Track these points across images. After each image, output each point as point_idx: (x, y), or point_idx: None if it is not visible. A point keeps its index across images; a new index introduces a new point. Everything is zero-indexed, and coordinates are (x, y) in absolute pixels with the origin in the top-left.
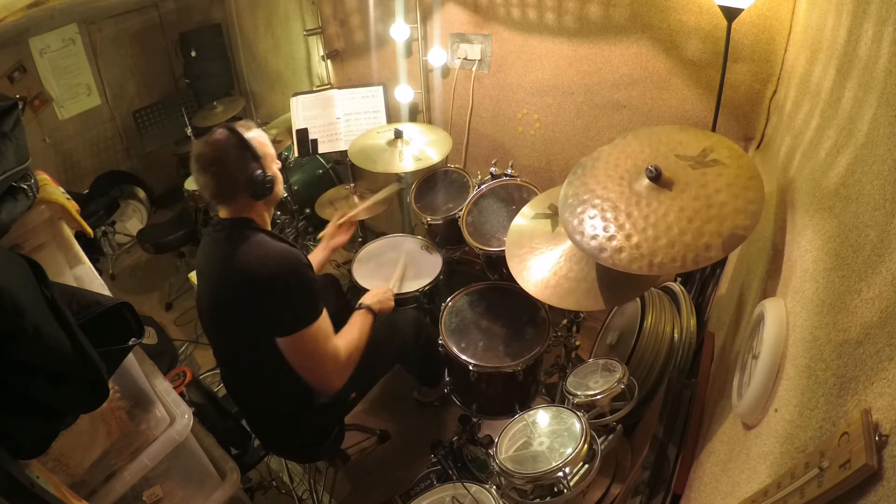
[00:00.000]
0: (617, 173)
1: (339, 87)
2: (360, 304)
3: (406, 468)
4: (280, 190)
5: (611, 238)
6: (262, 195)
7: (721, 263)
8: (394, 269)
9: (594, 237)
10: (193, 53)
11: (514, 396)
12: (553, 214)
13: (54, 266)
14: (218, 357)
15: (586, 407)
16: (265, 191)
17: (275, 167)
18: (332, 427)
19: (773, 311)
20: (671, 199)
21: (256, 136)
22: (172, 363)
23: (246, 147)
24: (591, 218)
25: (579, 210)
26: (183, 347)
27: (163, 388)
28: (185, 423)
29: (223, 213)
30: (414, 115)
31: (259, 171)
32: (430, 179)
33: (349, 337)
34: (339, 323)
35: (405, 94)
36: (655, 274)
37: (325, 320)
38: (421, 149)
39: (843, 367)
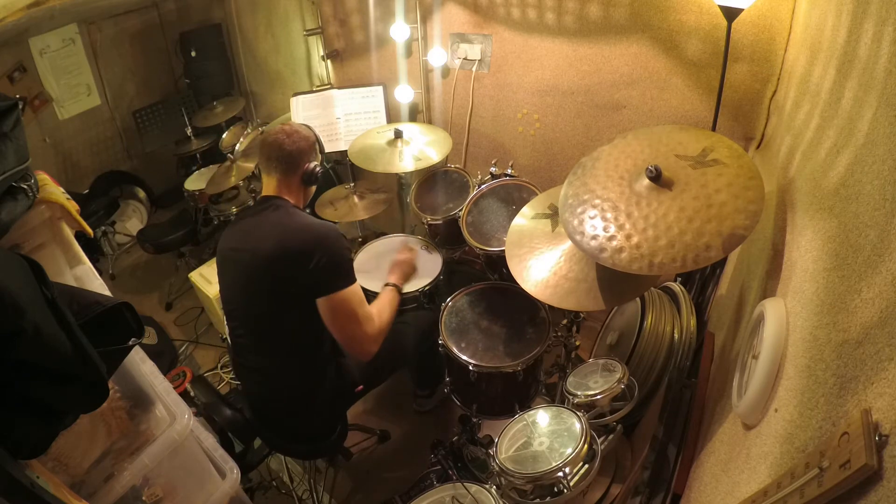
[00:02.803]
0: (617, 173)
1: (339, 87)
2: (387, 282)
3: (406, 468)
4: (312, 190)
5: (611, 238)
6: (309, 183)
7: (721, 263)
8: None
9: (594, 237)
10: (193, 53)
11: (514, 396)
12: (553, 214)
13: (54, 266)
14: (236, 336)
15: (586, 407)
16: (313, 180)
17: None
18: (336, 420)
19: (773, 311)
20: (671, 199)
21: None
22: (172, 363)
23: (320, 144)
24: (592, 218)
25: (579, 210)
26: (183, 347)
27: (163, 388)
28: (186, 423)
29: (268, 188)
30: (414, 115)
31: (317, 163)
32: (430, 179)
33: (379, 307)
34: None
35: (405, 94)
36: (655, 274)
37: (359, 287)
38: (421, 149)
39: (843, 367)
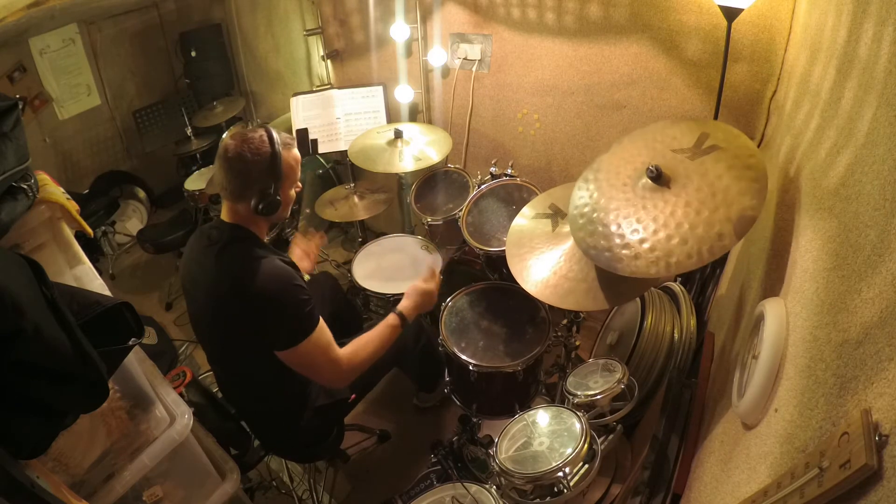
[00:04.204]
0: (619, 180)
1: (339, 87)
2: (396, 308)
3: (406, 468)
4: (284, 213)
5: (625, 247)
6: (264, 213)
7: (721, 263)
8: (396, 270)
9: (608, 249)
10: (193, 53)
11: (514, 396)
12: (553, 214)
13: (54, 266)
14: (213, 361)
15: (586, 407)
16: (268, 210)
17: (292, 191)
18: (331, 428)
19: (773, 311)
20: (675, 196)
21: (291, 156)
22: (172, 363)
23: (274, 163)
24: (602, 229)
25: (590, 226)
26: (183, 347)
27: (163, 388)
28: (185, 423)
29: (226, 213)
30: (414, 115)
31: (271, 191)
32: (430, 179)
33: (360, 346)
34: (336, 325)
35: (405, 94)
36: (674, 274)
37: (321, 332)
38: (421, 149)
39: (843, 367)
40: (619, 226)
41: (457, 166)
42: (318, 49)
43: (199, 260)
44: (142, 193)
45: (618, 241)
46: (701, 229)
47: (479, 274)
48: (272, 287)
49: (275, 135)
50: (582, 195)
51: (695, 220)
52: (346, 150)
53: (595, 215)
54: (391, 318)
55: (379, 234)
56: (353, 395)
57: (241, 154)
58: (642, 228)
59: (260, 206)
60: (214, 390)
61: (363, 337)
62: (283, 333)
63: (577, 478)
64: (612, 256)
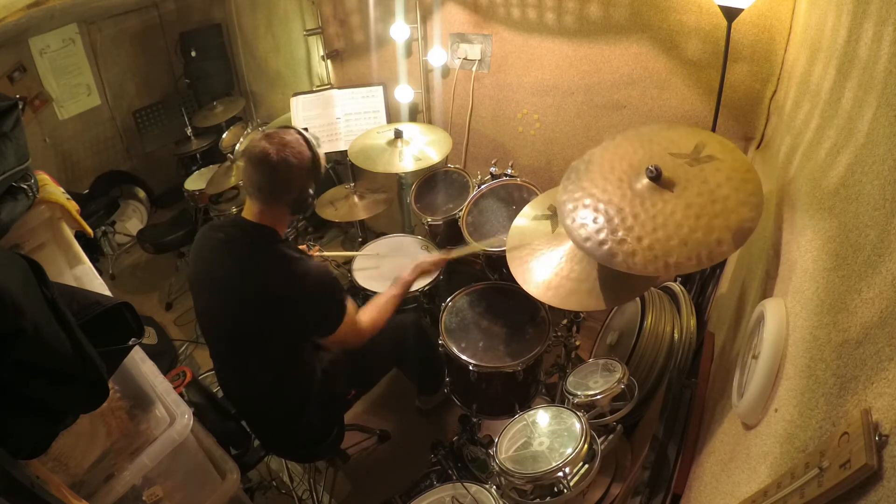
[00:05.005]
0: (614, 175)
1: (339, 87)
2: (399, 280)
3: (406, 468)
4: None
5: (621, 242)
6: (300, 211)
7: (721, 263)
8: (395, 270)
9: (603, 242)
10: (193, 53)
11: (514, 396)
12: (553, 215)
13: (54, 266)
14: (217, 360)
15: (586, 407)
16: (305, 209)
17: None
18: (331, 425)
19: (773, 311)
20: (675, 198)
21: (322, 156)
22: (172, 363)
23: (316, 166)
24: (595, 222)
25: (581, 216)
26: (183, 347)
27: (163, 388)
28: (185, 423)
29: (250, 212)
30: (414, 115)
31: (311, 190)
32: (430, 179)
33: (377, 313)
34: None
35: (405, 94)
36: (672, 274)
37: (351, 311)
38: (421, 149)
39: (843, 367)
40: (613, 220)
41: (457, 166)
42: (318, 49)
43: (214, 257)
44: (142, 193)
45: (612, 235)
46: (700, 234)
47: (479, 274)
48: (318, 283)
49: (308, 136)
50: (571, 184)
51: (695, 225)
52: (346, 150)
53: (588, 203)
54: (397, 288)
55: (379, 234)
56: (353, 392)
57: (286, 159)
58: (638, 226)
59: (300, 205)
60: (214, 390)
61: (379, 304)
62: (327, 322)
63: (577, 478)
64: (608, 250)
